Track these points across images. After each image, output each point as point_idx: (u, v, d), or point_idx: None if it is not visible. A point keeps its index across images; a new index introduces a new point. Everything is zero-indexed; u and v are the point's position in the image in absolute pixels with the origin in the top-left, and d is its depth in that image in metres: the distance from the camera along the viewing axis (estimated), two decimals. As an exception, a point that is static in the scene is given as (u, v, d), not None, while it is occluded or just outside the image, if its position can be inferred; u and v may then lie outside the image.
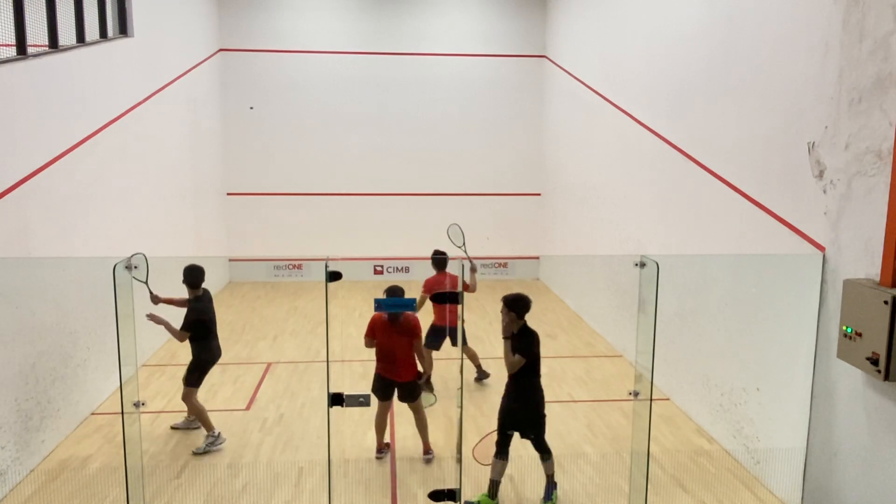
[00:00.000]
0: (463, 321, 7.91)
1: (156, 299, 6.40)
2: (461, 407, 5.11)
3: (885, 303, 4.36)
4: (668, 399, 7.89)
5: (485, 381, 8.28)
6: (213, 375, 6.75)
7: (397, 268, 14.62)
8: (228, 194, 14.30)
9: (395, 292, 6.15)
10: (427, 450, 6.45)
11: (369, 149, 14.48)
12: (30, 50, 6.60)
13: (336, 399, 4.90)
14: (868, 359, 4.51)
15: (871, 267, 4.73)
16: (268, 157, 14.29)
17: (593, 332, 10.81)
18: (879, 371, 4.43)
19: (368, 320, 6.41)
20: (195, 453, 6.43)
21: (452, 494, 5.14)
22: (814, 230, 5.41)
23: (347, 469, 6.28)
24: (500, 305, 5.57)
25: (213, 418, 7.14)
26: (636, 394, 5.14)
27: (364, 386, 7.96)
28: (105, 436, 6.87)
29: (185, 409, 6.94)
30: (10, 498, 5.70)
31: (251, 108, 13.47)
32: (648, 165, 8.90)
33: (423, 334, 6.73)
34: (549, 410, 7.52)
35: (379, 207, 14.61)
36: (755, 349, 6.16)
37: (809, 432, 5.43)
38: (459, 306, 7.82)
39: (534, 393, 5.54)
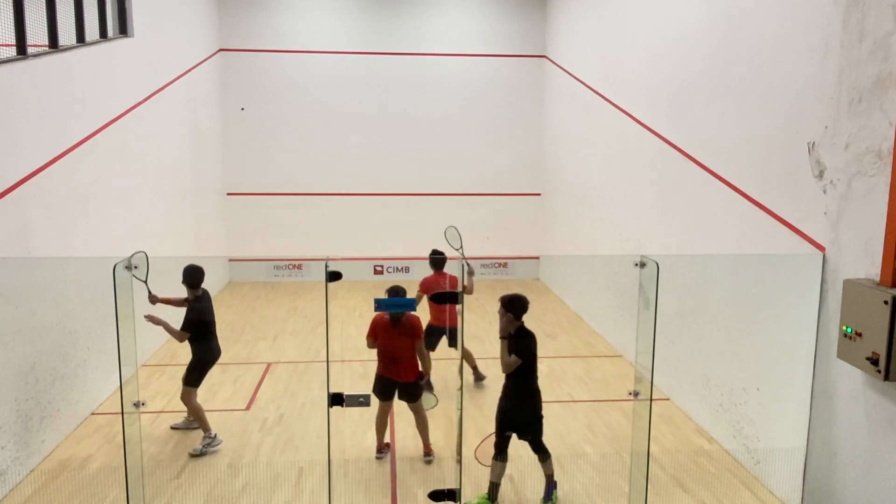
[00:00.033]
0: (456, 322, 7.94)
1: (153, 299, 6.40)
2: (461, 408, 5.11)
3: (885, 303, 4.36)
4: (668, 399, 7.90)
5: (482, 382, 8.25)
6: (213, 375, 6.75)
7: (397, 268, 14.62)
8: (228, 194, 14.30)
9: (397, 292, 6.16)
10: (427, 451, 6.45)
11: (369, 149, 14.48)
12: (30, 50, 6.60)
13: (336, 399, 4.90)
14: (868, 359, 4.51)
15: (871, 267, 4.73)
16: (268, 157, 14.30)
17: (593, 332, 10.81)
18: (879, 371, 4.43)
19: (368, 320, 6.41)
20: (191, 455, 6.42)
21: (452, 494, 5.14)
22: (814, 230, 5.41)
23: (347, 469, 6.28)
24: (499, 306, 5.56)
25: (213, 418, 7.14)
26: (636, 394, 5.14)
27: (364, 386, 7.96)
28: (105, 436, 6.87)
29: (185, 409, 6.94)
30: (10, 498, 5.70)
31: (242, 108, 13.37)
32: (648, 165, 8.90)
33: None
34: (549, 410, 7.55)
35: (379, 207, 14.61)
36: (755, 349, 6.16)
37: (809, 432, 5.43)
38: (458, 307, 7.88)
39: (531, 394, 5.52)
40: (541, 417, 5.61)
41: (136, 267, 4.92)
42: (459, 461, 5.24)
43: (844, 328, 4.77)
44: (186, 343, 6.53)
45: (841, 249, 5.08)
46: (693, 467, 6.37)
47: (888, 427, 4.58)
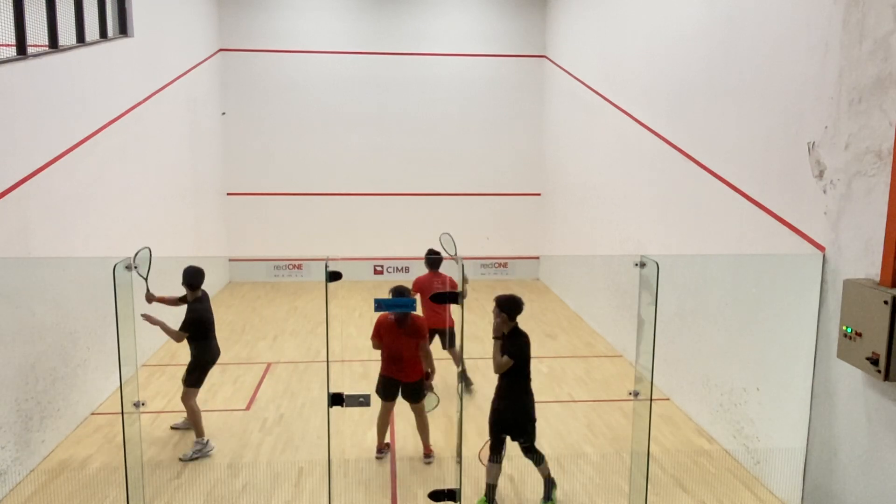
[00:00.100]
0: (454, 323, 7.91)
1: (150, 298, 6.40)
2: (461, 409, 5.11)
3: (885, 303, 4.36)
4: (668, 399, 7.90)
5: (471, 388, 8.01)
6: (213, 375, 6.75)
7: (397, 268, 14.62)
8: (228, 194, 14.30)
9: (401, 292, 6.16)
10: (427, 452, 6.45)
11: (369, 149, 14.48)
12: (30, 50, 6.60)
13: (336, 399, 4.90)
14: (868, 359, 4.51)
15: (871, 267, 4.73)
16: (268, 157, 14.30)
17: (593, 332, 10.81)
18: (879, 371, 4.43)
19: (368, 320, 6.42)
20: (181, 459, 6.37)
21: (452, 494, 5.14)
22: (814, 230, 5.41)
23: (347, 469, 6.28)
24: (493, 306, 5.55)
25: (213, 418, 7.15)
26: (636, 394, 5.14)
27: (364, 386, 7.96)
28: (105, 436, 6.87)
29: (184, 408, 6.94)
30: (10, 498, 5.70)
31: (223, 113, 13.18)
32: (648, 165, 8.90)
33: None
34: (549, 410, 7.57)
35: (379, 207, 14.62)
36: (755, 349, 6.16)
37: (809, 432, 5.43)
38: (452, 309, 7.86)
39: (523, 396, 5.50)
40: (533, 420, 5.57)
41: (136, 267, 4.92)
42: (459, 462, 5.24)
43: (844, 328, 4.77)
44: (186, 344, 6.53)
45: (841, 249, 5.08)
46: (693, 467, 6.37)
47: (888, 427, 4.58)
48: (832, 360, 5.09)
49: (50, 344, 6.60)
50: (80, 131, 7.59)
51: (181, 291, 6.60)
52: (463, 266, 5.61)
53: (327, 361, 5.23)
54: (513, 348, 5.37)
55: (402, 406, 6.47)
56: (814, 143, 5.39)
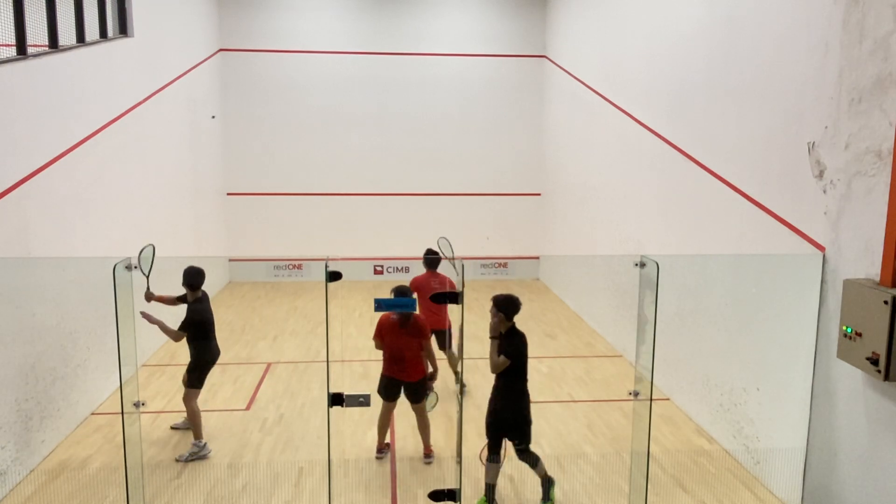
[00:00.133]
0: (451, 324, 7.90)
1: (149, 296, 6.39)
2: (461, 408, 5.11)
3: (885, 303, 4.36)
4: (668, 399, 7.90)
5: (464, 390, 7.88)
6: (213, 375, 6.75)
7: (397, 268, 14.61)
8: (228, 194, 14.30)
9: (403, 292, 6.15)
10: (427, 452, 6.45)
11: (369, 149, 14.48)
12: (30, 50, 6.60)
13: (336, 399, 4.90)
14: (868, 359, 4.51)
15: (871, 267, 4.73)
16: (268, 157, 14.30)
17: (593, 332, 10.81)
18: (879, 371, 4.43)
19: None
20: (177, 460, 6.37)
21: (452, 494, 5.14)
22: (814, 230, 5.41)
23: (347, 469, 6.28)
24: (491, 305, 5.54)
25: (213, 418, 7.15)
26: (636, 394, 5.14)
27: (364, 386, 7.96)
28: (105, 436, 6.87)
29: (184, 408, 6.93)
30: (10, 498, 5.70)
31: (213, 116, 13.00)
32: (648, 165, 8.90)
33: None
34: (549, 410, 7.57)
35: (379, 207, 14.61)
36: (755, 349, 6.16)
37: (809, 432, 5.43)
38: (449, 310, 7.84)
39: (519, 396, 5.48)
40: (529, 422, 5.54)
41: (139, 264, 4.92)
42: (459, 462, 5.24)
43: (844, 328, 4.77)
44: (186, 344, 6.52)
45: (841, 249, 5.08)
46: (693, 467, 6.37)
47: (888, 427, 4.58)
48: (832, 360, 5.09)
49: (50, 344, 6.59)
50: (80, 131, 7.59)
51: (181, 291, 6.60)
52: (463, 267, 5.60)
53: (327, 361, 5.23)
54: (510, 348, 5.37)
55: (402, 406, 6.47)
56: (814, 143, 5.39)
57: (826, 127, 5.24)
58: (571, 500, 5.78)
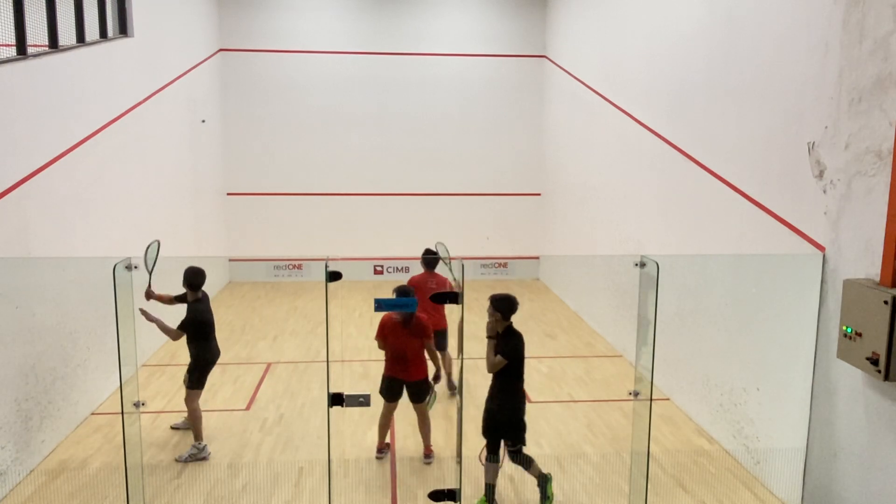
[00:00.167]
0: (447, 327, 7.89)
1: (149, 294, 6.39)
2: (461, 408, 5.11)
3: (885, 303, 4.36)
4: (668, 399, 7.90)
5: (452, 392, 7.94)
6: (213, 375, 6.75)
7: (397, 268, 14.61)
8: (228, 194, 14.30)
9: (406, 292, 6.16)
10: (428, 452, 6.45)
11: (369, 149, 14.48)
12: (30, 50, 6.60)
13: (336, 399, 4.90)
14: (868, 359, 4.51)
15: (871, 267, 4.73)
16: (268, 157, 14.30)
17: (593, 332, 10.81)
18: (879, 371, 4.43)
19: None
20: (177, 460, 6.37)
21: (452, 494, 5.14)
22: (814, 230, 5.41)
23: (347, 469, 6.29)
24: (488, 304, 5.54)
25: (213, 418, 7.14)
26: (636, 394, 5.14)
27: (364, 386, 7.96)
28: (105, 436, 6.87)
29: (185, 408, 6.92)
30: (10, 498, 5.70)
31: (203, 121, 12.64)
32: (648, 165, 8.90)
33: None
34: (549, 410, 7.57)
35: (379, 207, 14.61)
36: (755, 349, 6.16)
37: (809, 432, 5.43)
38: (446, 311, 7.84)
39: (514, 397, 5.47)
40: (523, 423, 5.51)
41: (134, 268, 4.92)
42: (459, 462, 5.24)
43: (844, 328, 4.77)
44: (186, 345, 6.52)
45: (841, 249, 5.08)
46: (693, 467, 6.37)
47: (888, 427, 4.58)
48: (832, 360, 5.09)
49: (50, 344, 6.59)
50: (80, 131, 7.59)
51: (181, 291, 6.59)
52: (463, 267, 5.60)
53: (327, 361, 5.24)
54: (507, 348, 5.36)
55: (402, 406, 6.47)
56: (814, 143, 5.39)
57: (826, 127, 5.24)
58: (571, 500, 5.78)
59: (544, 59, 14.43)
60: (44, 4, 7.06)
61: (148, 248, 6.29)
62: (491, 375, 5.48)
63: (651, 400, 5.04)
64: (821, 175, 5.31)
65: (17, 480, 5.91)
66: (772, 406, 5.94)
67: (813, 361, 5.35)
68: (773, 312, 5.89)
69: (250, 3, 13.86)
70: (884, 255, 4.57)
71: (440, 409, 7.16)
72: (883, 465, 4.64)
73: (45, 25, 7.06)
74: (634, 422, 5.29)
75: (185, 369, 6.61)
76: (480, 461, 5.58)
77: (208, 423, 6.95)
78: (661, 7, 8.46)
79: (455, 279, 7.72)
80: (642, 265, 4.91)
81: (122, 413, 4.94)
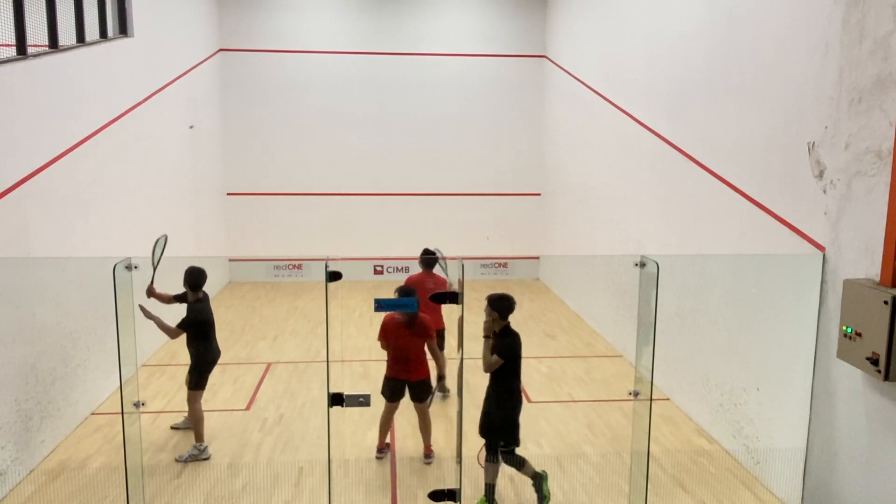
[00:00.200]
0: (444, 328, 7.88)
1: (151, 291, 6.39)
2: (461, 408, 5.11)
3: (885, 303, 4.36)
4: (668, 399, 7.89)
5: (445, 395, 7.86)
6: (214, 375, 6.75)
7: (397, 268, 14.62)
8: (228, 194, 14.30)
9: (408, 293, 6.15)
10: (428, 452, 6.45)
11: (369, 149, 14.48)
12: (30, 50, 6.60)
13: (336, 399, 4.90)
14: (868, 359, 4.51)
15: (871, 267, 4.73)
16: (268, 157, 14.30)
17: (593, 332, 10.81)
18: (879, 371, 4.43)
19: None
20: (177, 460, 6.37)
21: (452, 494, 5.14)
22: (814, 230, 5.41)
23: (347, 469, 6.28)
24: (485, 304, 5.54)
25: (213, 418, 7.14)
26: (636, 394, 5.14)
27: (364, 386, 7.97)
28: (105, 436, 6.87)
29: (185, 408, 6.92)
30: (10, 498, 5.70)
31: (191, 126, 12.14)
32: (648, 165, 8.90)
33: None
34: (549, 410, 7.57)
35: (379, 207, 14.61)
36: (755, 349, 6.16)
37: (809, 432, 5.43)
38: (444, 311, 7.82)
39: (510, 397, 5.46)
40: (516, 424, 5.49)
41: (135, 268, 4.92)
42: (459, 462, 5.23)
43: (844, 328, 4.77)
44: (186, 345, 6.51)
45: (841, 249, 5.08)
46: (693, 467, 6.37)
47: (888, 427, 4.58)
48: (832, 360, 5.09)
49: (50, 344, 6.59)
50: (80, 131, 7.59)
51: (181, 291, 6.59)
52: (462, 267, 5.60)
53: (327, 361, 5.23)
54: (504, 347, 5.36)
55: (402, 406, 6.47)
56: (814, 143, 5.39)
57: (826, 127, 5.24)
58: (571, 499, 5.78)
59: (544, 59, 14.43)
60: (44, 4, 7.06)
61: (157, 241, 6.30)
62: (489, 375, 5.48)
63: (651, 400, 5.04)
64: (821, 175, 5.31)
65: (17, 480, 5.91)
66: (772, 406, 5.94)
67: (813, 361, 5.35)
68: (773, 312, 5.89)
69: (250, 3, 13.86)
70: (884, 255, 4.57)
71: (441, 409, 7.16)
72: (883, 465, 4.64)
73: (45, 25, 7.06)
74: (634, 422, 5.29)
75: (184, 369, 6.61)
76: (479, 463, 5.57)
77: (208, 423, 6.94)
78: (661, 7, 8.46)
79: (447, 276, 7.75)
80: (642, 265, 4.91)
81: (122, 413, 4.94)
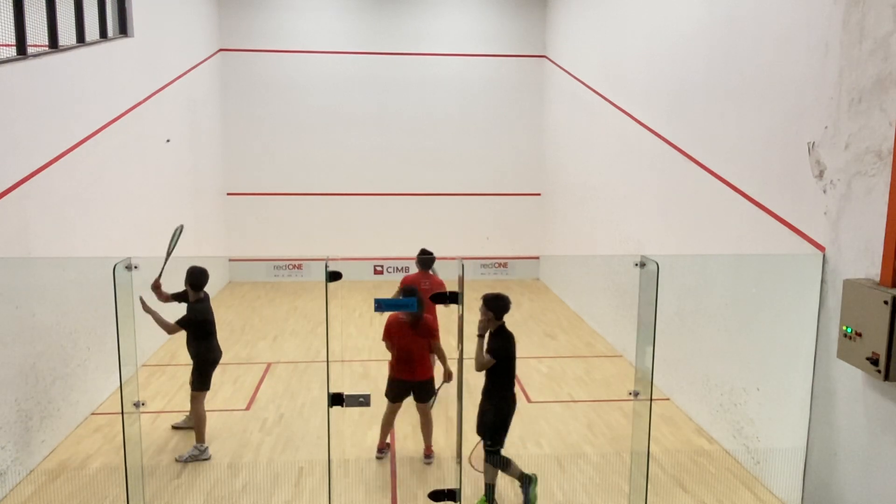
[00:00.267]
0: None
1: (157, 285, 6.39)
2: (460, 409, 5.11)
3: (885, 303, 4.36)
4: (668, 399, 7.89)
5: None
6: (214, 375, 6.75)
7: (397, 268, 14.61)
8: (228, 194, 14.30)
9: (413, 293, 6.15)
10: (428, 452, 6.45)
11: (369, 149, 14.48)
12: (30, 50, 6.60)
13: (336, 399, 4.90)
14: (868, 359, 4.51)
15: (871, 267, 4.73)
16: (268, 157, 14.30)
17: (593, 332, 10.81)
18: (879, 371, 4.43)
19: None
20: (177, 460, 6.37)
21: (452, 494, 5.14)
22: (814, 230, 5.41)
23: (347, 469, 6.28)
24: (481, 303, 5.54)
25: (213, 418, 7.14)
26: (636, 394, 5.14)
27: (364, 386, 7.97)
28: (105, 436, 6.87)
29: (186, 408, 6.92)
30: (10, 498, 5.70)
31: (168, 140, 11.25)
32: (648, 165, 8.90)
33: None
34: (549, 410, 7.57)
35: (379, 207, 14.61)
36: (755, 349, 6.16)
37: (809, 432, 5.43)
38: (439, 312, 7.81)
39: (501, 397, 5.45)
40: (505, 425, 5.47)
41: (135, 268, 4.92)
42: (459, 462, 5.24)
43: (844, 328, 4.77)
44: (186, 346, 6.51)
45: (841, 249, 5.08)
46: (693, 467, 6.37)
47: (888, 427, 4.58)
48: (832, 360, 5.09)
49: (50, 344, 6.59)
50: (80, 131, 7.59)
51: (181, 289, 6.58)
52: (462, 267, 5.60)
53: (327, 361, 5.23)
54: (497, 347, 5.36)
55: (402, 406, 6.47)
56: (814, 143, 5.39)
57: (826, 127, 5.24)
58: (571, 500, 5.78)
59: (544, 59, 14.43)
60: (44, 4, 7.05)
61: (176, 231, 6.30)
62: (484, 375, 5.49)
63: (651, 400, 5.04)
64: (821, 175, 5.31)
65: (17, 480, 5.91)
66: (772, 406, 5.94)
67: (813, 361, 5.35)
68: (773, 312, 5.89)
69: (250, 3, 13.85)
70: (884, 255, 4.57)
71: (441, 409, 7.15)
72: (883, 465, 4.64)
73: (45, 25, 7.06)
74: (634, 422, 5.29)
75: (184, 369, 6.62)
76: (471, 464, 5.56)
77: (208, 423, 6.94)
78: (661, 7, 8.46)
79: (440, 272, 7.71)
80: (642, 265, 4.91)
81: (122, 413, 4.94)
